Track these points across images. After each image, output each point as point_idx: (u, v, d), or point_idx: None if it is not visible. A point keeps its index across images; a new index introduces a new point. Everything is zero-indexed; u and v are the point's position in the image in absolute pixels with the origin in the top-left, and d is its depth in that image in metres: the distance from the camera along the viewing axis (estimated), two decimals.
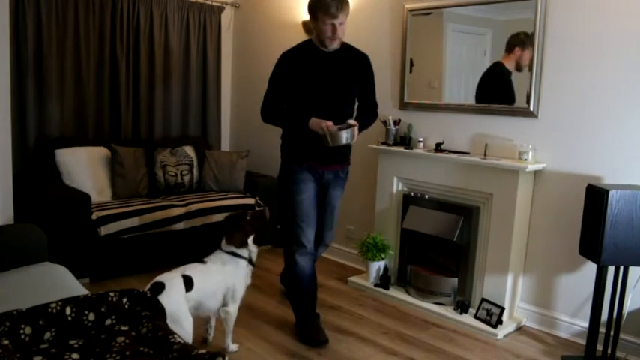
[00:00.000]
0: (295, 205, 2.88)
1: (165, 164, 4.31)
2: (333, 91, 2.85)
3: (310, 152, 2.86)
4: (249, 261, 2.76)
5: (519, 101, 3.20)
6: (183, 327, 2.30)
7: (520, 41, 3.16)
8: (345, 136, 2.69)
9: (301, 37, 4.46)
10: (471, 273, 3.35)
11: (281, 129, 3.00)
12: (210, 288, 2.58)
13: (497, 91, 3.34)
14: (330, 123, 2.70)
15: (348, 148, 2.94)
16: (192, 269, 2.57)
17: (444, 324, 3.22)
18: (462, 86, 3.54)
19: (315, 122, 2.74)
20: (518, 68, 3.20)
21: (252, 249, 2.77)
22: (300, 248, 2.92)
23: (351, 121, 2.76)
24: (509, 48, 3.23)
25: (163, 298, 2.20)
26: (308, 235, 2.91)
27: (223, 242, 2.75)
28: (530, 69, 3.12)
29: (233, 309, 2.68)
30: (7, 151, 3.09)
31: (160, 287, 2.34)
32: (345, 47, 2.90)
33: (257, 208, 3.14)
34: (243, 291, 2.74)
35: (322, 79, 2.83)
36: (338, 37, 2.75)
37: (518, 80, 3.22)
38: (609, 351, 2.72)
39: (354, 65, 2.92)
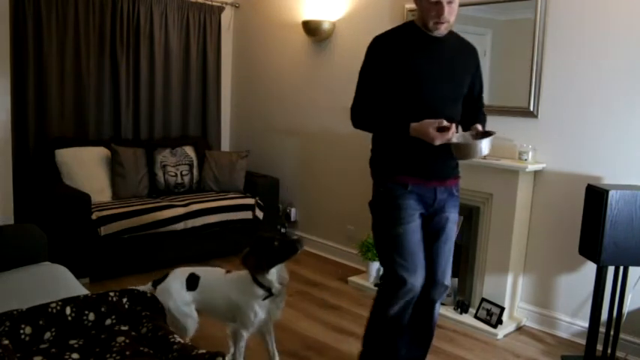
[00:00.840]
0: (396, 240, 2.20)
1: (165, 164, 4.31)
2: (443, 87, 2.20)
3: (417, 165, 2.19)
4: (269, 291, 2.34)
5: (519, 101, 3.20)
6: (176, 318, 2.37)
7: None
8: (486, 146, 2.06)
9: (301, 37, 4.48)
10: (471, 273, 3.34)
11: (372, 136, 2.37)
12: (214, 296, 2.45)
13: None
14: (451, 125, 2.03)
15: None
16: (206, 272, 2.54)
17: (444, 324, 3.22)
18: None
19: (426, 126, 2.03)
20: None
21: (272, 279, 2.33)
22: (402, 287, 2.20)
23: (479, 126, 2.17)
24: None
25: (160, 284, 2.41)
26: (415, 274, 2.21)
27: None
28: (531, 69, 3.12)
29: (242, 331, 2.38)
30: (7, 151, 3.09)
31: (165, 276, 2.46)
32: (454, 35, 2.26)
33: (292, 237, 2.66)
34: (257, 321, 2.36)
35: (431, 71, 2.17)
36: (446, 19, 2.09)
37: (518, 80, 3.21)
38: (609, 351, 2.72)
39: (465, 57, 2.30)
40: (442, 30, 2.13)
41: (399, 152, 2.20)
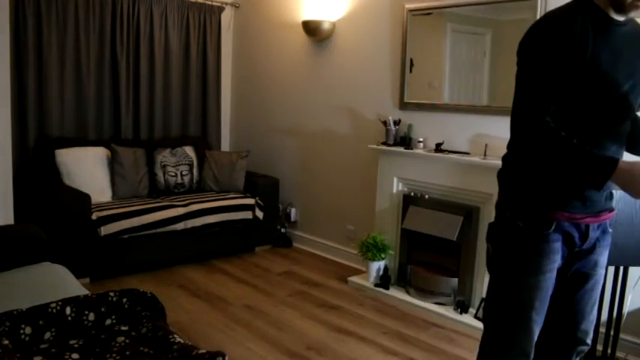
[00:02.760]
0: (526, 289, 1.64)
1: (165, 164, 4.31)
2: (630, 96, 1.60)
3: (574, 197, 1.61)
4: None
5: None
6: None
7: None
8: None
9: (301, 37, 4.48)
10: (471, 273, 3.34)
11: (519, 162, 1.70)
12: None
13: None
14: None
15: None
16: None
17: (444, 324, 3.22)
18: (462, 86, 3.54)
19: None
20: None
21: None
22: (518, 358, 1.68)
23: None
24: None
25: None
26: (534, 336, 1.68)
27: None
28: None
29: None
30: (7, 151, 3.09)
31: None
32: (632, 20, 1.61)
33: None
34: None
35: (618, 75, 1.55)
36: None
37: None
38: (609, 351, 2.72)
39: None
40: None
41: (556, 182, 1.61)
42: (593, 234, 1.67)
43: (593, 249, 1.70)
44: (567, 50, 1.49)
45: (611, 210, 1.74)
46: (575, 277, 1.71)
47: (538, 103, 1.51)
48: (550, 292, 1.66)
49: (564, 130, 1.50)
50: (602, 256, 1.73)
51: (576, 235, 1.64)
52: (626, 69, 1.57)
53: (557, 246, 1.63)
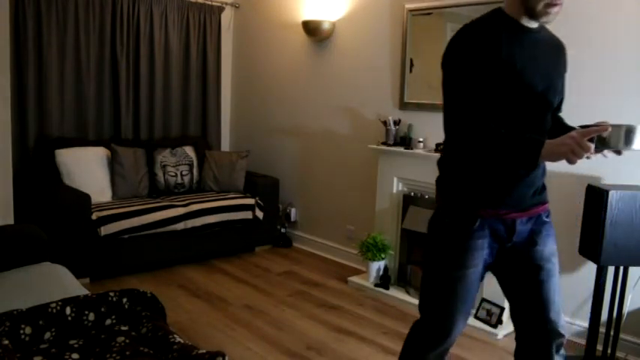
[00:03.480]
0: (452, 282, 1.77)
1: (165, 164, 4.31)
2: (546, 103, 1.74)
3: (502, 192, 1.72)
4: None
5: None
6: None
7: None
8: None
9: (301, 37, 4.48)
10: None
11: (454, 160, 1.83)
12: None
13: None
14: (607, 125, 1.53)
15: (543, 176, 1.84)
16: None
17: None
18: None
19: (579, 137, 1.50)
20: None
21: None
22: (438, 347, 1.85)
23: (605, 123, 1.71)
24: None
25: None
26: (459, 328, 1.83)
27: None
28: None
29: None
30: (7, 151, 3.09)
31: None
32: (544, 28, 1.77)
33: None
34: None
35: (535, 75, 1.68)
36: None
37: None
38: (609, 351, 2.72)
39: (560, 55, 1.82)
40: (553, 15, 1.65)
41: (487, 177, 1.72)
42: (522, 227, 1.76)
43: (532, 242, 1.79)
44: (483, 53, 1.60)
45: (544, 203, 1.83)
46: (527, 271, 1.81)
47: (471, 109, 1.62)
48: (477, 283, 1.81)
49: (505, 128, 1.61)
50: (548, 246, 1.83)
51: (502, 229, 1.74)
52: (541, 71, 1.69)
53: (484, 242, 1.74)
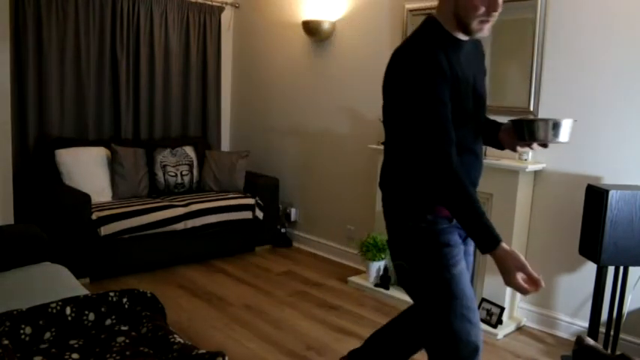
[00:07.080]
0: (452, 284, 1.70)
1: (165, 164, 4.31)
2: (482, 102, 1.83)
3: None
4: None
5: (519, 101, 3.20)
6: None
7: None
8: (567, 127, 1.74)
9: (301, 37, 4.48)
10: (471, 273, 3.34)
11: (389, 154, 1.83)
12: None
13: None
14: (539, 281, 1.54)
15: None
16: None
17: None
18: None
19: (520, 267, 1.55)
20: None
21: None
22: (475, 355, 1.72)
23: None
24: None
25: None
26: (479, 327, 1.75)
27: None
28: (530, 69, 3.12)
29: None
30: (7, 151, 3.10)
31: None
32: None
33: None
34: None
35: (481, 83, 1.81)
36: (496, 15, 1.65)
37: (518, 80, 3.22)
38: (609, 351, 2.72)
39: (482, 57, 1.90)
40: (486, 31, 1.67)
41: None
42: None
43: (467, 238, 1.84)
44: (439, 74, 1.60)
45: None
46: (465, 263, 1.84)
47: (441, 133, 1.60)
48: (469, 275, 1.82)
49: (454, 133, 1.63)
50: (471, 246, 1.92)
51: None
52: (479, 77, 1.79)
53: (457, 235, 1.76)
